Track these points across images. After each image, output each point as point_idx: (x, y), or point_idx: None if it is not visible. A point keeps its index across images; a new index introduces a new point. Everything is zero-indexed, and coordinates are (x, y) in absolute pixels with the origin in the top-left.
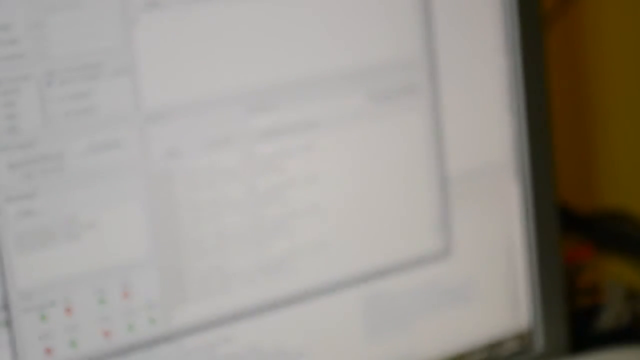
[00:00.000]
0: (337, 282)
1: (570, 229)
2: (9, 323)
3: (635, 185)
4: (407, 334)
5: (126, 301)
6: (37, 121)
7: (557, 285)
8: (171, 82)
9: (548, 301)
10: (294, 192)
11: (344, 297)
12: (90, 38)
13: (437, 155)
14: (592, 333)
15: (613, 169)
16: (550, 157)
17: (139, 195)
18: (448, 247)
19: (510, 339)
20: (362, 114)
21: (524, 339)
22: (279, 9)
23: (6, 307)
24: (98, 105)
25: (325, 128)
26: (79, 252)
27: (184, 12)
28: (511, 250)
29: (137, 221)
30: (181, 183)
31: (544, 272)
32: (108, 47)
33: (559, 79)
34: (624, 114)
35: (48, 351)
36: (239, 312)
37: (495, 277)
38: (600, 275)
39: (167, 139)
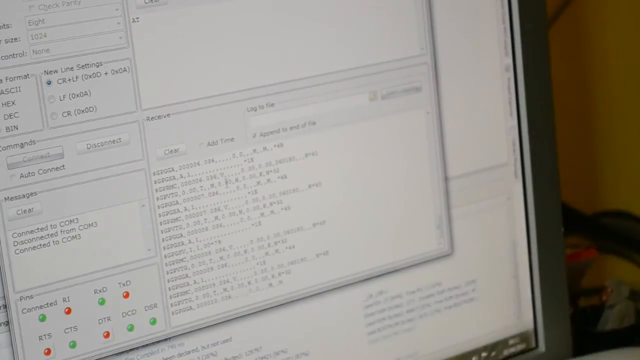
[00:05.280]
0: (339, 282)
1: (573, 229)
2: (8, 323)
3: (639, 184)
4: (409, 334)
5: (126, 301)
6: (37, 121)
7: (560, 286)
8: (171, 82)
9: (551, 301)
10: (295, 193)
11: (346, 297)
12: (90, 37)
13: (439, 155)
14: (595, 333)
15: (616, 168)
16: (553, 157)
17: (139, 194)
18: (450, 247)
19: (513, 339)
20: (364, 114)
21: (526, 339)
22: (280, 9)
23: (6, 307)
24: (98, 105)
25: (326, 128)
26: (79, 252)
27: (185, 12)
28: (514, 250)
29: (137, 221)
30: (181, 183)
31: (546, 272)
32: (108, 47)
33: (561, 78)
34: (626, 114)
35: (48, 351)
36: (239, 312)
37: (498, 278)
38: (603, 275)
39: (167, 138)
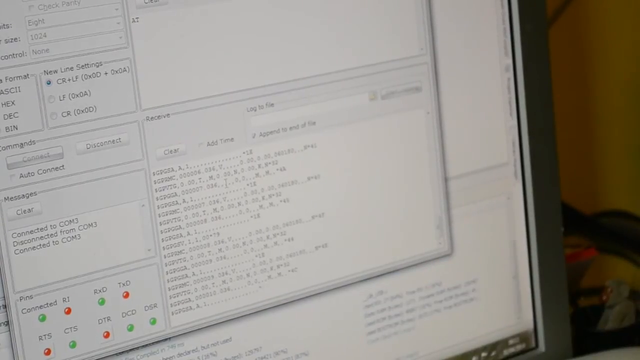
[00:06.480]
0: (339, 282)
1: (573, 229)
2: (8, 323)
3: (639, 184)
4: (409, 334)
5: (126, 301)
6: (36, 121)
7: (560, 286)
8: (171, 82)
9: (551, 301)
10: (295, 193)
11: (346, 296)
12: (90, 37)
13: (439, 155)
14: (595, 333)
15: (616, 168)
16: (553, 157)
17: (139, 194)
18: (450, 248)
19: (513, 339)
20: (364, 114)
21: (526, 339)
22: (280, 9)
23: (6, 307)
24: (98, 105)
25: (326, 128)
26: (79, 252)
27: (185, 12)
28: (514, 250)
29: (137, 221)
30: (181, 182)
31: (546, 272)
32: (108, 47)
33: (561, 78)
34: (626, 114)
35: (48, 351)
36: (239, 312)
37: (498, 278)
38: (603, 275)
39: (166, 138)
